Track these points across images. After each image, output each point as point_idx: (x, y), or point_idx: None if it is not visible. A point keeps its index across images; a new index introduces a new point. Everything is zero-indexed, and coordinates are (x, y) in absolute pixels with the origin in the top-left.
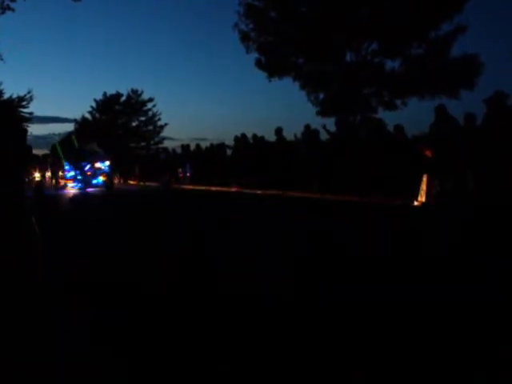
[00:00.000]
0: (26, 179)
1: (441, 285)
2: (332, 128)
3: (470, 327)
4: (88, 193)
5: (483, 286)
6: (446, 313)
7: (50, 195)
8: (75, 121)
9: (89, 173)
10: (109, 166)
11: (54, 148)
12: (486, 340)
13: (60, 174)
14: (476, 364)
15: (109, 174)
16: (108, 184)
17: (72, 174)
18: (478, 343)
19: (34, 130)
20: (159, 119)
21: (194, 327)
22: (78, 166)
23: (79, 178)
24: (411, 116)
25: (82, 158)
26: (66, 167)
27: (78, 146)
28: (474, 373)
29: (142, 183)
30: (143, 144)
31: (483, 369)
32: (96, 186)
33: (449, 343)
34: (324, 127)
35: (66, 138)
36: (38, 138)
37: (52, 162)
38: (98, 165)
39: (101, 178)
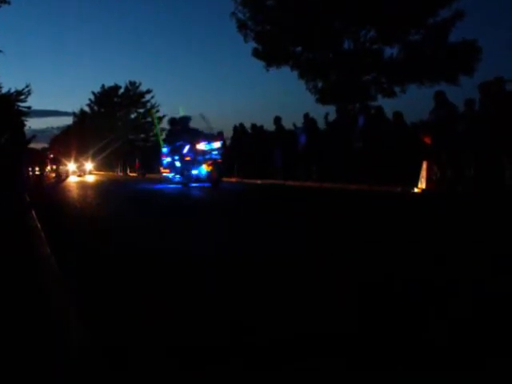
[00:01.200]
0: (27, 174)
1: (434, 280)
2: (333, 116)
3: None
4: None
5: (481, 283)
6: (443, 311)
7: (50, 188)
8: (74, 114)
9: (188, 158)
10: (219, 149)
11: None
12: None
13: (60, 167)
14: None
15: (217, 163)
16: (215, 177)
17: (169, 160)
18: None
19: (33, 123)
20: (158, 111)
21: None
22: (175, 149)
23: (178, 166)
24: (411, 103)
25: (179, 134)
26: (164, 149)
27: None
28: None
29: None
30: (142, 136)
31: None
32: (197, 179)
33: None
34: (325, 117)
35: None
36: (36, 131)
37: (52, 157)
38: (201, 146)
39: (204, 168)
